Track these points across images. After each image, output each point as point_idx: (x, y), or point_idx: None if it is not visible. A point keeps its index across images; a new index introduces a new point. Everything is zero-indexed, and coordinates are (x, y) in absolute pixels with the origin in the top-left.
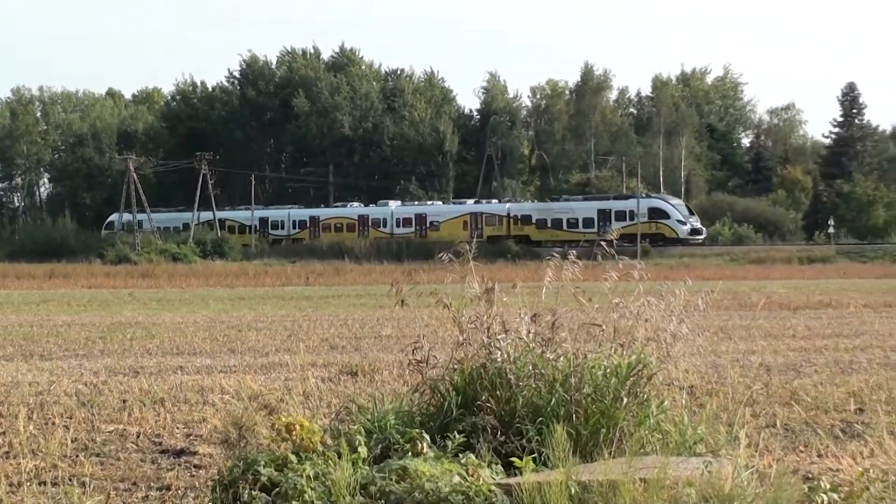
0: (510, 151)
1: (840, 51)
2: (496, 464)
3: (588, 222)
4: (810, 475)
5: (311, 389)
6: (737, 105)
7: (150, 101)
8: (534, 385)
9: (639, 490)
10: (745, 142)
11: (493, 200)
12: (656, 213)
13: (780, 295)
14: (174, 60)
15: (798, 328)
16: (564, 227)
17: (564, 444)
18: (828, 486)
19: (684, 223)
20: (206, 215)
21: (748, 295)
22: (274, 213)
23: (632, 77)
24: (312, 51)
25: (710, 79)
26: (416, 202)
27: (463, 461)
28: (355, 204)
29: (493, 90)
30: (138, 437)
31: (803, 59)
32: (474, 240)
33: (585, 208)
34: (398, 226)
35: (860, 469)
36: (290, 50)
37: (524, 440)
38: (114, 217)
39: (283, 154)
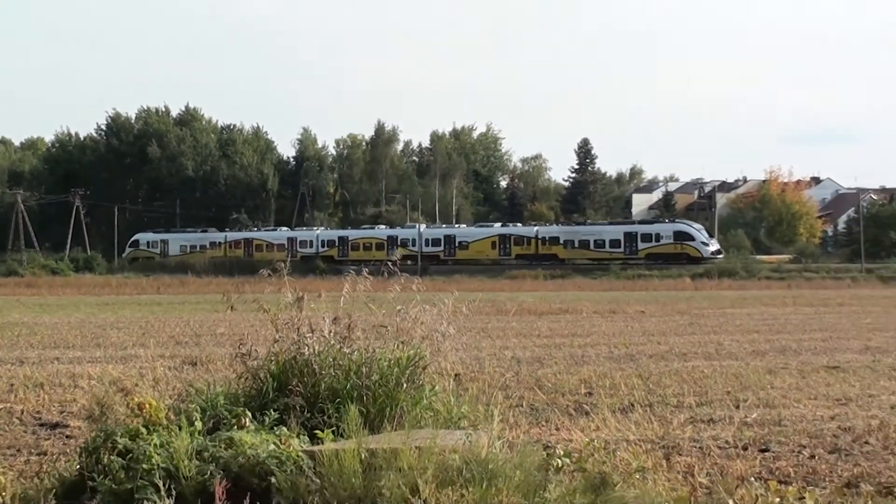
0: (319, 190)
1: (577, 113)
2: (304, 435)
3: (615, 243)
4: (549, 444)
5: (160, 376)
6: (496, 155)
7: (35, 148)
8: (333, 373)
9: (415, 456)
10: (503, 183)
11: (518, 224)
12: (682, 236)
13: (529, 303)
14: (54, 114)
15: (543, 329)
16: (591, 247)
17: (357, 420)
18: (562, 453)
19: (707, 244)
20: (234, 236)
21: (504, 303)
22: (302, 234)
23: (415, 132)
24: (164, 108)
25: (475, 134)
26: (444, 224)
27: (277, 433)
28: (382, 226)
29: (306, 141)
30: (22, 413)
31: (548, 119)
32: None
33: (613, 231)
34: (426, 245)
35: (587, 439)
36: (146, 108)
37: (326, 416)
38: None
39: (140, 190)
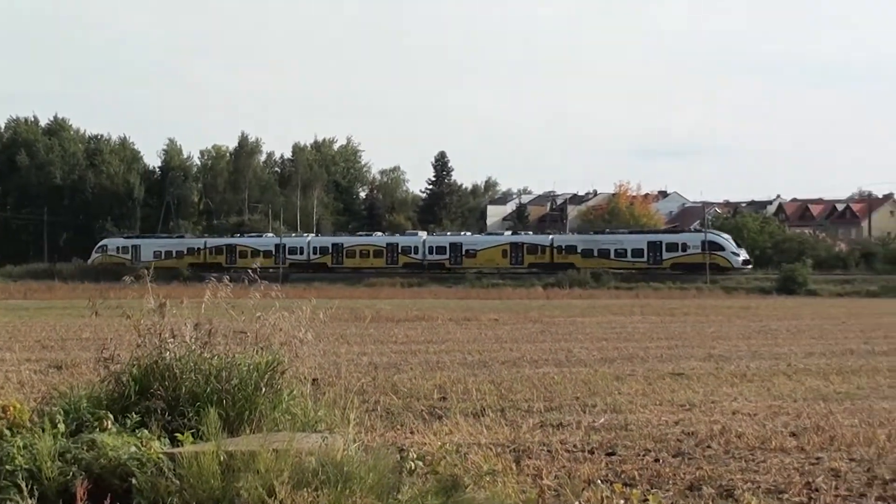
0: (184, 199)
1: (435, 126)
2: (164, 437)
3: (637, 252)
4: (403, 447)
5: (25, 379)
6: (356, 166)
7: None
8: (194, 377)
9: (272, 458)
10: (362, 194)
11: (529, 232)
12: (711, 246)
13: (387, 311)
14: None
15: (399, 336)
16: (612, 256)
17: (216, 423)
18: (415, 456)
19: (738, 254)
20: (215, 241)
21: (362, 310)
22: (292, 241)
23: (277, 143)
24: (33, 119)
25: (336, 146)
26: (449, 232)
27: (139, 435)
28: (379, 233)
29: (172, 152)
30: None
31: (407, 132)
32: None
33: (635, 240)
34: (430, 253)
35: (440, 443)
36: (15, 118)
37: (186, 419)
38: None
39: (7, 198)
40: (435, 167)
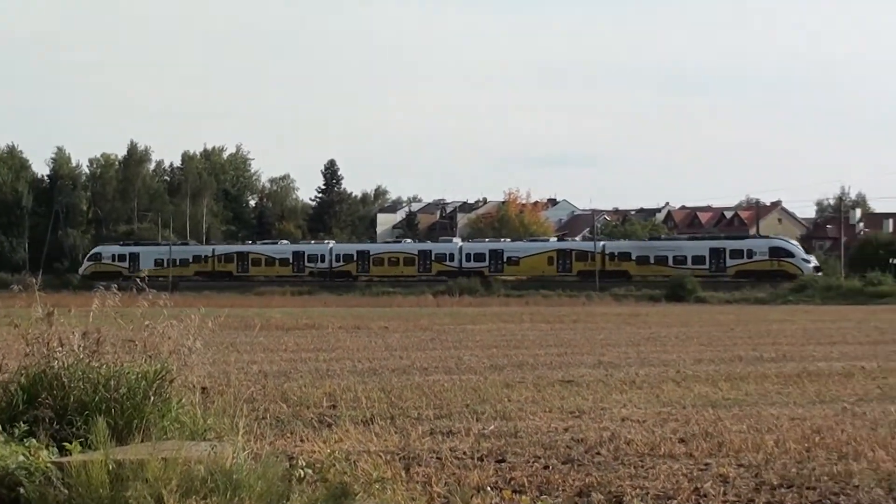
0: (73, 207)
1: (325, 134)
2: (53, 447)
3: (698, 259)
4: (293, 456)
5: None
6: (246, 175)
7: None
8: (82, 386)
9: (161, 467)
10: (252, 203)
11: (576, 238)
12: (779, 252)
13: (277, 319)
14: None
15: (289, 344)
16: (670, 263)
17: (105, 432)
18: (304, 464)
19: (808, 261)
20: (224, 249)
21: (252, 319)
22: (311, 248)
23: (166, 152)
24: None
25: (225, 154)
26: (488, 238)
27: (26, 444)
28: (409, 240)
29: (60, 160)
30: None
31: (297, 140)
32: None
33: (696, 247)
34: (467, 260)
35: (330, 451)
36: None
37: (75, 428)
38: None
39: None
40: (325, 175)
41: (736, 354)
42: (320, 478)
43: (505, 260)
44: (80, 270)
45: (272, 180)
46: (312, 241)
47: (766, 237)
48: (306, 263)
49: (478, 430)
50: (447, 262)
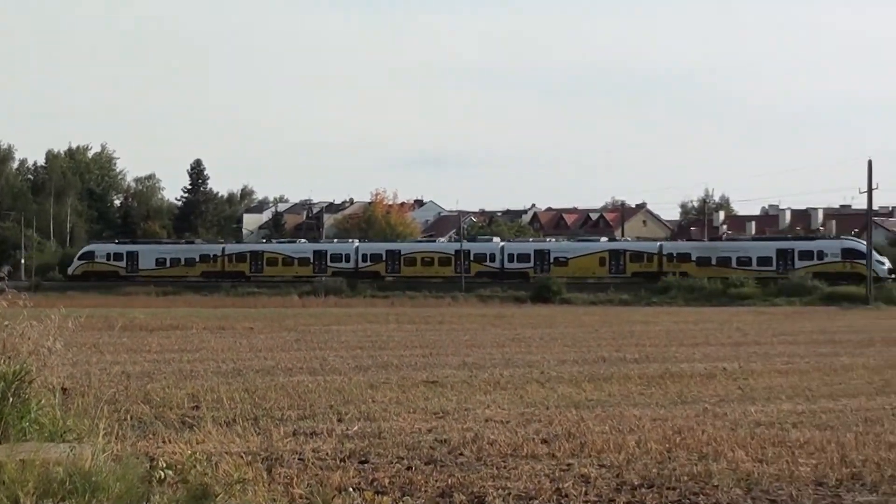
0: None
1: (191, 133)
2: None
3: (764, 261)
4: (154, 457)
5: None
6: (111, 174)
7: None
8: None
9: (18, 468)
10: (117, 202)
11: (628, 238)
12: (852, 254)
13: (141, 320)
14: None
15: (153, 345)
16: (734, 265)
17: None
18: (165, 465)
19: (882, 263)
20: (235, 248)
21: (117, 319)
22: (334, 247)
23: (30, 150)
24: None
25: (90, 153)
26: (531, 238)
27: None
28: (442, 240)
29: None
30: None
31: (162, 140)
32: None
33: (762, 248)
34: (509, 261)
35: (191, 451)
36: None
37: None
38: None
39: None
40: (191, 175)
41: (600, 355)
42: (181, 479)
43: (552, 261)
44: (70, 270)
45: (137, 180)
46: (336, 240)
47: (838, 238)
48: (329, 263)
49: (341, 431)
50: (487, 263)
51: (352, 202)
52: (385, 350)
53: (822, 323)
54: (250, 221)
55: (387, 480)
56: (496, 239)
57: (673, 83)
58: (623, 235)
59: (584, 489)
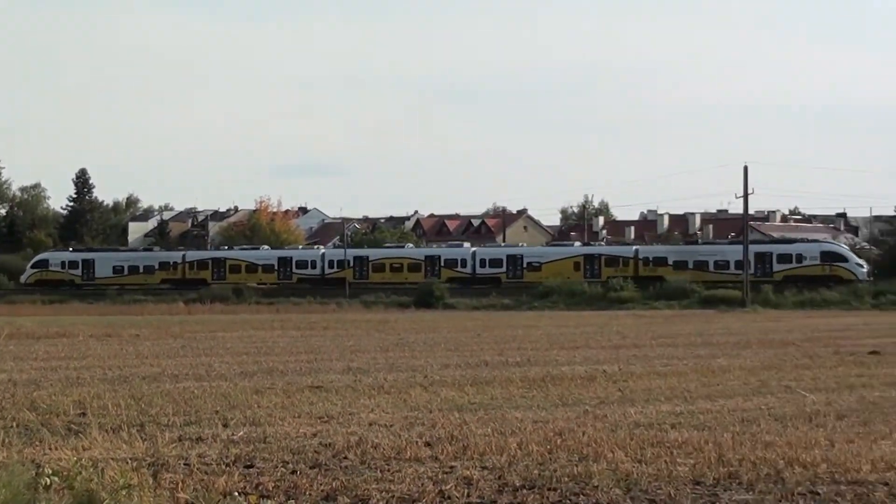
0: None
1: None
2: None
3: (742, 264)
4: (40, 463)
5: None
6: None
7: None
8: None
9: None
10: (2, 211)
11: (601, 242)
12: (831, 257)
13: (28, 327)
14: None
15: (40, 352)
16: (711, 268)
17: None
18: (51, 472)
19: (862, 266)
20: (196, 255)
21: (3, 328)
22: (299, 253)
23: None
24: None
25: None
26: (504, 243)
27: None
28: (411, 245)
29: None
30: None
31: (48, 148)
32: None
33: (739, 251)
34: (481, 266)
35: (77, 458)
36: None
37: None
38: None
39: None
40: (76, 184)
41: (482, 359)
42: (67, 485)
43: (524, 265)
44: (22, 279)
45: (23, 189)
46: (301, 247)
47: (817, 241)
48: (294, 270)
49: (227, 437)
50: (458, 269)
51: (236, 210)
52: (270, 356)
53: (700, 326)
54: (136, 230)
55: (271, 484)
56: (467, 244)
57: (553, 89)
58: (504, 241)
59: (466, 491)
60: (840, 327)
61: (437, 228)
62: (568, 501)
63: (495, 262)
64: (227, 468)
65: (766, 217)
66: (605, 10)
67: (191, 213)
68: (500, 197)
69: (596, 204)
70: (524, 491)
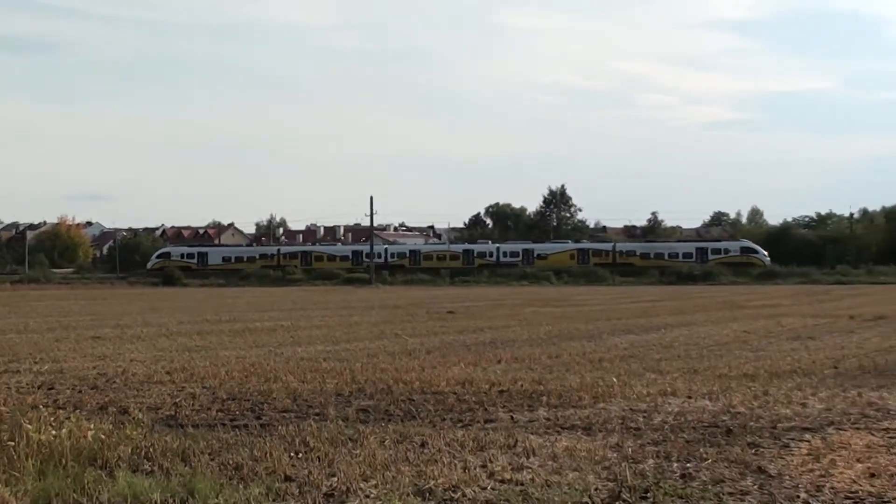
0: None
1: None
2: None
3: (688, 255)
4: None
5: None
6: None
7: None
8: None
9: None
10: None
11: (584, 240)
12: (748, 250)
13: None
14: None
15: None
16: (666, 258)
17: None
18: None
19: (767, 256)
20: (289, 249)
21: None
22: (367, 248)
23: None
24: None
25: None
26: (518, 241)
27: None
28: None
29: None
30: None
31: None
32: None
33: (687, 247)
34: (504, 256)
35: None
36: None
37: None
38: None
39: None
40: None
41: (204, 318)
42: None
43: (535, 256)
44: (149, 265)
45: None
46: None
47: (738, 239)
48: (364, 259)
49: (36, 370)
50: (487, 258)
51: (45, 223)
52: (68, 317)
53: (344, 296)
54: None
55: (65, 400)
56: (490, 242)
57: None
58: (220, 243)
59: (192, 402)
60: (429, 297)
61: (177, 235)
62: (257, 408)
63: (514, 254)
64: (35, 390)
65: (385, 227)
66: None
67: (14, 225)
68: (216, 213)
69: (277, 219)
70: (229, 402)
